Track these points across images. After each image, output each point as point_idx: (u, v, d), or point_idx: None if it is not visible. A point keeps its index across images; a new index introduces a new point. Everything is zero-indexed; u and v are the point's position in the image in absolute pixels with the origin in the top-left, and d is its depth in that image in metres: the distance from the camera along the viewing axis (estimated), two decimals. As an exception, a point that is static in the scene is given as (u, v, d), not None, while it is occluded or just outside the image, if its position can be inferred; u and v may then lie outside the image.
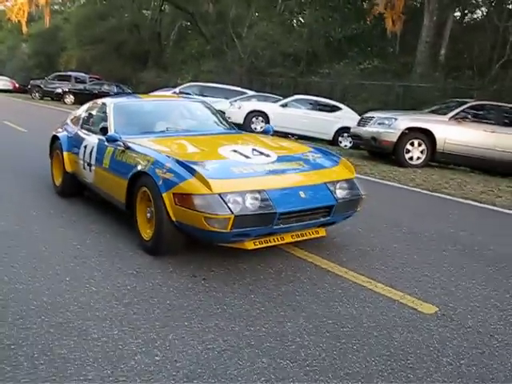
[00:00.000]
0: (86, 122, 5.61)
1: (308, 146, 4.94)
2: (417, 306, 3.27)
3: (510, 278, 3.89)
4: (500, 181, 9.05)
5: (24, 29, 25.53)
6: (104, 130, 4.86)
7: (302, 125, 14.09)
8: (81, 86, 27.33)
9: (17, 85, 40.07)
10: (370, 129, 10.29)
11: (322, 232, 4.19)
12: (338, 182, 4.08)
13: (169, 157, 3.94)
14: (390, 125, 9.88)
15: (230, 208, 3.47)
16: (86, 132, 5.43)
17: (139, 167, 4.05)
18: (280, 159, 4.20)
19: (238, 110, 14.52)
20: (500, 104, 10.67)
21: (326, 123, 14.21)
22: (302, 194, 3.81)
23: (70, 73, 30.53)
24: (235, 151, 4.22)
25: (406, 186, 7.77)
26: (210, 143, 4.64)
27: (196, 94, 17.50)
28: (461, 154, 9.87)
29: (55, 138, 5.96)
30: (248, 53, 25.24)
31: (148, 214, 4.04)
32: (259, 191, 3.63)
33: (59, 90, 26.99)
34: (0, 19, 54.13)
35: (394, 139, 9.76)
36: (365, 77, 19.41)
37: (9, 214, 5.05)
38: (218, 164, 3.98)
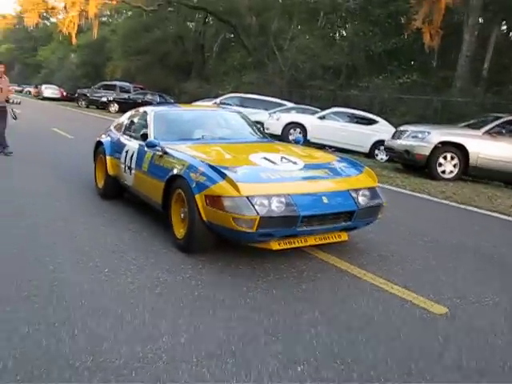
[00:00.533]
0: (128, 129, 6.01)
1: (334, 156, 5.19)
2: (428, 307, 3.47)
3: (524, 286, 4.04)
4: (533, 196, 9.04)
5: (74, 40, 26.57)
6: (144, 136, 5.26)
7: (339, 137, 14.26)
8: (125, 96, 28.23)
9: (64, 93, 41.68)
10: (404, 142, 10.43)
11: (344, 236, 4.42)
12: (360, 189, 4.32)
13: (203, 161, 4.26)
14: (423, 138, 10.00)
15: (256, 210, 3.76)
16: (127, 138, 5.82)
17: (175, 171, 4.38)
18: (307, 167, 4.50)
19: (276, 121, 14.82)
20: (535, 119, 10.63)
21: (362, 136, 14.34)
22: (324, 200, 4.07)
23: (115, 82, 31.53)
24: (265, 158, 4.52)
25: (435, 198, 7.90)
26: (243, 150, 4.95)
27: (236, 105, 17.87)
28: (494, 168, 9.90)
29: (99, 144, 6.37)
30: (288, 65, 25.60)
31: (182, 215, 4.36)
32: (284, 195, 3.90)
33: (104, 99, 27.97)
34: (52, 31, 56.40)
35: (427, 153, 9.87)
36: (403, 91, 19.47)
37: (56, 213, 5.48)
38: (248, 169, 4.28)
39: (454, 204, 7.53)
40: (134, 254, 4.23)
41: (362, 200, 4.26)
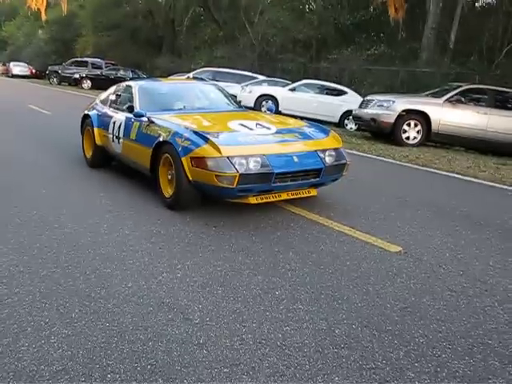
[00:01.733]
0: (114, 102, 6.43)
1: (303, 122, 5.73)
2: (385, 247, 4.08)
3: (468, 230, 4.67)
4: (489, 159, 9.78)
5: (43, 16, 26.32)
6: (130, 108, 5.68)
7: (309, 108, 14.78)
8: (97, 72, 28.22)
9: (33, 70, 41.14)
10: (370, 111, 11.05)
11: (313, 192, 5.01)
12: (326, 150, 4.90)
13: (187, 128, 4.79)
14: (388, 107, 10.64)
15: (236, 168, 4.30)
16: (114, 110, 6.24)
17: (162, 137, 4.87)
18: (279, 131, 5.07)
19: (248, 94, 15.25)
20: (492, 87, 11.35)
21: (332, 106, 14.88)
22: (295, 159, 4.64)
23: (86, 59, 31.42)
24: (241, 125, 5.05)
25: (398, 162, 8.54)
26: (221, 118, 5.48)
27: (209, 79, 18.10)
28: (454, 134, 10.61)
29: (86, 117, 6.78)
30: (259, 39, 25.90)
31: (169, 176, 4.88)
32: (260, 156, 4.44)
33: (77, 76, 27.89)
34: (16, 5, 55.15)
35: (392, 120, 10.52)
36: (372, 62, 20.03)
37: (50, 180, 5.94)
38: (227, 134, 4.80)
39: (416, 166, 8.19)
40: (128, 213, 4.74)
41: (328, 159, 4.83)
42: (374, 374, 2.39)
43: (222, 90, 6.83)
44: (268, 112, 6.38)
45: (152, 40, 35.80)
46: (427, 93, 11.95)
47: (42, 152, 7.68)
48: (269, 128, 5.06)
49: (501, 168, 8.51)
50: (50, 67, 32.42)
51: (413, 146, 10.48)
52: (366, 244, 4.13)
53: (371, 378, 2.36)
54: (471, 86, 11.46)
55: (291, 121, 5.98)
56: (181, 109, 5.87)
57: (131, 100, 5.89)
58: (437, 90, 12.10)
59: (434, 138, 10.83)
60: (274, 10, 27.53)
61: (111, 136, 5.98)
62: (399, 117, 10.49)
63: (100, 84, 26.81)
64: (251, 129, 4.96)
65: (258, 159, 4.41)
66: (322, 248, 4.00)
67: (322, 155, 4.80)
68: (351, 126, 14.72)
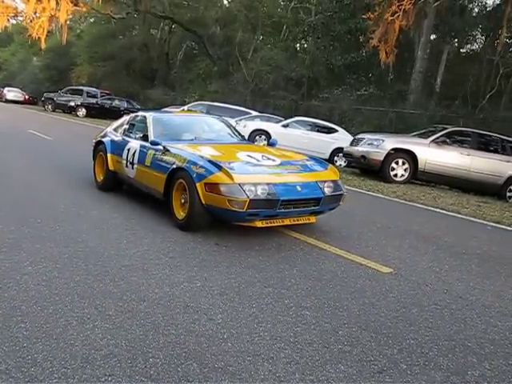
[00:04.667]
0: (129, 131, 6.96)
1: (304, 155, 6.30)
2: (378, 268, 4.58)
3: (451, 257, 5.21)
4: (471, 197, 10.41)
5: (43, 45, 27.03)
6: (145, 137, 6.28)
7: (301, 144, 15.33)
8: (92, 100, 28.82)
9: (27, 96, 41.72)
10: (361, 148, 11.69)
11: (312, 219, 5.53)
12: (326, 181, 5.44)
13: (201, 157, 5.30)
14: (378, 145, 11.29)
15: (246, 194, 4.81)
16: (128, 138, 6.76)
17: (176, 164, 5.39)
18: (282, 163, 5.61)
19: (243, 128, 15.79)
20: (476, 130, 12.09)
21: (323, 143, 15.49)
22: (298, 188, 5.18)
23: (81, 87, 32.01)
24: (249, 156, 5.60)
25: (387, 197, 9.13)
26: (229, 149, 6.02)
27: (203, 112, 18.77)
28: (440, 173, 11.26)
29: (99, 143, 7.30)
30: (253, 75, 26.77)
31: (182, 200, 5.37)
32: (267, 184, 4.97)
33: (72, 104, 28.48)
34: (11, 33, 55.99)
35: (381, 158, 11.15)
36: (361, 102, 20.89)
37: (66, 201, 6.37)
38: (237, 163, 5.30)
39: (403, 201, 8.77)
40: (144, 232, 5.20)
41: (327, 190, 5.36)
42: (373, 364, 2.85)
43: (226, 123, 7.44)
44: (271, 146, 6.93)
45: (146, 72, 36.70)
46: (414, 133, 12.65)
47: (50, 174, 8.12)
48: (274, 160, 5.62)
49: (482, 206, 9.12)
50: (45, 94, 32.95)
51: (400, 182, 11.09)
52: (361, 265, 4.63)
53: (370, 367, 2.82)
54: (456, 129, 12.21)
55: (292, 154, 6.50)
56: (192, 139, 6.42)
57: (145, 130, 6.43)
58: (423, 130, 12.82)
59: (420, 176, 11.46)
60: (268, 48, 28.57)
61: (125, 162, 6.47)
62: (388, 155, 11.13)
63: (95, 112, 27.51)
64: (258, 160, 5.50)
65: (266, 187, 4.93)
66: (322, 267, 4.48)
67: (321, 186, 5.34)
68: (340, 162, 15.33)
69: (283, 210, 5.06)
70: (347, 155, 12.74)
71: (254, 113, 19.70)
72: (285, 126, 15.94)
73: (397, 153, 11.19)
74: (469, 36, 25.10)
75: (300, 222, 5.41)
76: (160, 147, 5.81)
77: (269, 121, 17.53)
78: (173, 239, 5.00)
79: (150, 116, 6.66)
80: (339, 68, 23.80)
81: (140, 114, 7.10)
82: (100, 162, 7.25)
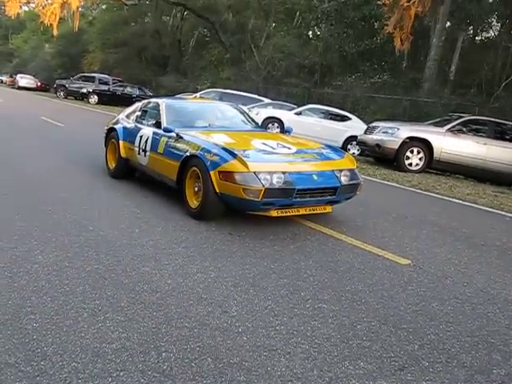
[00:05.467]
0: (141, 117, 6.85)
1: (320, 143, 6.17)
2: (396, 260, 4.46)
3: (470, 249, 5.08)
4: (487, 187, 10.24)
5: (55, 32, 26.99)
6: (158, 124, 6.16)
7: (314, 132, 15.18)
8: (104, 87, 28.75)
9: (39, 83, 41.79)
10: (375, 137, 11.51)
11: (328, 208, 5.40)
12: (342, 170, 5.30)
13: (215, 144, 5.18)
14: (393, 134, 11.10)
15: (262, 182, 4.68)
16: (140, 125, 6.64)
17: (190, 152, 5.27)
18: (298, 151, 5.47)
19: (255, 115, 15.66)
20: (492, 119, 11.85)
21: (336, 131, 15.30)
22: (314, 177, 5.06)
23: (93, 74, 31.97)
24: (264, 143, 5.47)
25: (402, 186, 8.97)
26: (244, 137, 5.92)
27: (215, 99, 18.65)
28: (455, 162, 11.06)
29: (111, 130, 7.19)
30: (265, 63, 26.55)
31: (196, 188, 5.27)
32: (283, 172, 4.84)
33: (84, 90, 28.42)
34: (24, 20, 56.08)
35: (396, 146, 10.97)
36: (375, 90, 20.62)
37: (77, 188, 6.30)
38: (252, 151, 5.18)
39: (418, 191, 8.62)
40: (156, 220, 5.11)
41: (343, 179, 5.23)
42: (394, 361, 2.74)
43: (240, 110, 7.30)
44: (286, 133, 6.78)
45: (158, 59, 36.55)
46: (429, 122, 12.44)
47: (62, 162, 8.05)
48: (289, 148, 5.48)
49: (499, 196, 8.94)
50: (57, 81, 32.97)
51: (415, 172, 10.92)
52: (378, 256, 4.51)
53: (391, 364, 2.71)
54: (472, 117, 11.98)
55: (308, 142, 6.40)
56: (206, 126, 6.30)
57: (158, 116, 6.32)
58: (438, 119, 12.61)
59: (435, 166, 11.27)
60: (280, 35, 28.28)
61: (137, 149, 6.37)
62: (403, 144, 10.95)
63: (107, 99, 27.44)
64: (273, 148, 5.37)
65: (281, 176, 4.80)
66: (338, 258, 4.37)
67: (338, 174, 5.21)
68: (354, 151, 15.14)
69: (299, 200, 4.94)
70: (361, 143, 12.57)
71: (267, 100, 19.52)
72: (298, 113, 15.77)
73: (412, 141, 11.00)
74: (484, 23, 24.65)
75: (316, 212, 5.29)
76: (173, 134, 5.70)
77: (281, 108, 17.36)
78: (186, 228, 4.91)
79: (162, 102, 6.53)
80: (352, 55, 23.50)
81: (153, 100, 6.99)
82: (112, 150, 7.15)
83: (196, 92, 22.25)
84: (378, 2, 18.90)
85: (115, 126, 7.11)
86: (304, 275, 3.91)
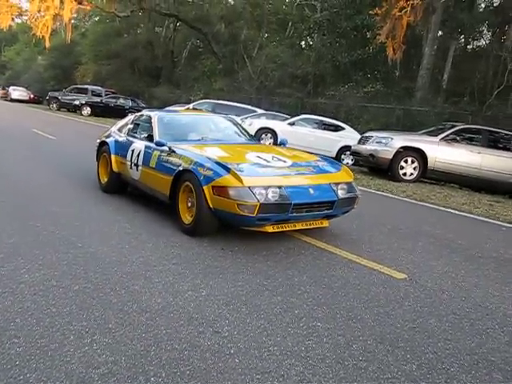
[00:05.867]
0: (133, 131, 6.74)
1: (316, 156, 6.10)
2: (391, 273, 4.37)
3: (467, 261, 5.00)
4: (482, 196, 10.18)
5: (47, 44, 26.94)
6: (150, 137, 6.08)
7: (307, 142, 15.12)
8: (97, 99, 28.69)
9: (32, 95, 41.65)
10: (369, 147, 11.46)
11: (325, 223, 5.32)
12: (339, 183, 5.19)
13: (209, 158, 5.06)
14: (387, 143, 11.06)
15: (257, 198, 4.56)
16: (132, 139, 6.52)
17: (183, 166, 5.15)
18: (294, 164, 5.36)
19: (248, 126, 15.59)
20: (486, 128, 11.83)
21: (329, 141, 15.25)
22: (311, 191, 4.94)
23: (86, 86, 31.93)
24: (259, 157, 5.35)
25: (397, 196, 8.90)
26: (238, 150, 5.83)
27: (208, 111, 18.58)
28: (450, 171, 11.02)
29: (103, 144, 7.06)
30: (258, 73, 26.57)
31: (189, 203, 5.15)
32: (278, 187, 4.71)
33: (77, 102, 28.33)
34: (16, 32, 56.03)
35: (390, 156, 10.92)
36: (368, 99, 20.61)
37: (67, 203, 6.19)
38: (247, 165, 5.05)
39: (413, 201, 8.55)
40: (147, 235, 5.01)
41: (340, 192, 5.11)
42: (391, 382, 2.65)
43: (234, 122, 7.24)
44: (281, 145, 6.67)
45: (151, 70, 36.52)
46: (423, 131, 12.42)
47: (53, 175, 7.94)
48: (284, 161, 5.36)
49: (494, 205, 8.88)
50: (50, 93, 32.86)
51: (409, 181, 10.87)
52: (373, 271, 4.42)
53: (389, 386, 2.62)
54: (466, 126, 11.96)
55: (304, 155, 6.27)
56: (199, 140, 6.18)
57: (150, 129, 6.21)
58: (432, 128, 12.58)
59: (429, 175, 11.23)
60: (273, 45, 28.33)
61: (129, 163, 6.24)
62: (397, 153, 10.90)
63: (100, 111, 27.37)
64: (268, 161, 5.24)
65: (277, 190, 4.67)
66: (333, 273, 4.28)
67: (335, 188, 5.10)
68: (348, 161, 15.08)
69: (295, 214, 4.81)
70: (355, 154, 12.51)
71: (260, 111, 19.47)
72: (291, 123, 15.71)
73: (406, 151, 10.96)
74: (475, 32, 24.76)
75: (312, 227, 5.20)
76: (165, 148, 5.58)
77: (275, 119, 17.31)
78: (177, 244, 4.80)
79: (155, 115, 6.42)
80: (345, 65, 23.50)
81: (145, 113, 6.88)
82: (104, 163, 7.04)
83: (189, 103, 22.23)
84: (371, 12, 18.92)
85: (107, 140, 6.99)
86: (298, 292, 3.82)
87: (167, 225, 5.44)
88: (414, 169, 11.04)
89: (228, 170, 4.75)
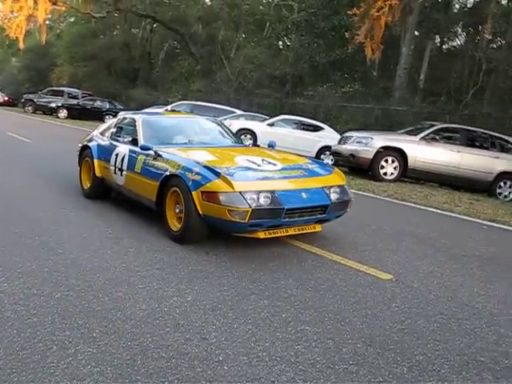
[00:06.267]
0: (116, 134, 6.53)
1: (306, 158, 5.99)
2: (377, 274, 4.35)
3: (451, 260, 5.01)
4: (463, 195, 10.27)
5: (21, 45, 26.50)
6: (134, 141, 5.89)
7: (287, 143, 15.05)
8: (74, 102, 28.31)
9: (6, 98, 40.91)
10: (349, 147, 11.48)
11: (318, 228, 5.14)
12: (332, 186, 5.05)
13: (197, 162, 4.87)
14: (367, 143, 11.09)
15: (248, 203, 4.39)
16: (116, 143, 6.32)
17: (170, 171, 4.96)
18: (285, 168, 5.20)
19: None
20: (465, 127, 11.97)
21: (309, 142, 15.24)
22: (304, 195, 4.77)
23: (62, 88, 31.46)
24: (248, 160, 5.18)
25: (378, 196, 8.92)
26: (226, 153, 5.66)
27: (186, 112, 18.43)
28: (430, 171, 11.10)
29: (85, 148, 6.84)
30: (236, 74, 26.48)
31: (177, 210, 4.96)
32: (270, 191, 4.55)
33: (53, 105, 27.91)
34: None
35: (370, 156, 10.96)
36: (347, 99, 20.71)
37: (45, 208, 6.06)
38: (237, 169, 4.85)
39: (394, 200, 8.58)
40: (128, 240, 4.91)
41: (333, 196, 4.97)
42: (383, 387, 2.62)
43: (220, 124, 7.08)
44: (269, 148, 6.46)
45: (128, 72, 36.15)
46: (403, 131, 12.49)
47: (28, 180, 7.78)
48: (275, 164, 5.21)
49: (474, 203, 8.97)
50: (25, 95, 32.33)
51: (390, 181, 10.91)
52: (359, 272, 4.40)
53: (381, 390, 2.58)
54: (445, 125, 12.08)
55: (293, 157, 6.11)
56: (185, 143, 6.02)
57: (135, 133, 6.02)
58: (411, 128, 12.66)
59: (410, 174, 11.29)
60: (251, 46, 28.29)
61: (113, 168, 6.04)
62: (377, 153, 10.95)
63: (76, 114, 27.00)
64: (258, 165, 5.07)
65: (269, 195, 4.52)
66: (319, 275, 4.24)
67: (327, 192, 4.96)
68: (327, 161, 15.05)
69: (288, 220, 4.66)
70: (336, 154, 12.53)
71: (239, 112, 19.40)
72: (270, 124, 15.68)
73: (386, 151, 11.01)
74: (450, 32, 25.05)
75: (305, 232, 5.03)
76: (151, 152, 5.39)
77: (253, 119, 17.26)
78: (160, 248, 4.72)
79: (139, 118, 6.20)
80: (323, 65, 23.55)
81: (128, 116, 6.69)
82: (86, 168, 6.80)
83: (167, 104, 22.04)
84: (348, 12, 19.00)
85: (89, 144, 6.77)
86: (284, 295, 3.77)
87: (150, 229, 5.35)
88: (395, 168, 11.09)
89: (218, 174, 4.59)
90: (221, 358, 2.79)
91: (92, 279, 3.85)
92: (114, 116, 25.90)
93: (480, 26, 22.98)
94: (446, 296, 3.99)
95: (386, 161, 11.05)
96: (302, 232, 5.00)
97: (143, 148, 5.47)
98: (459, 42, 25.81)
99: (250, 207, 4.39)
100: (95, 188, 6.60)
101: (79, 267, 4.08)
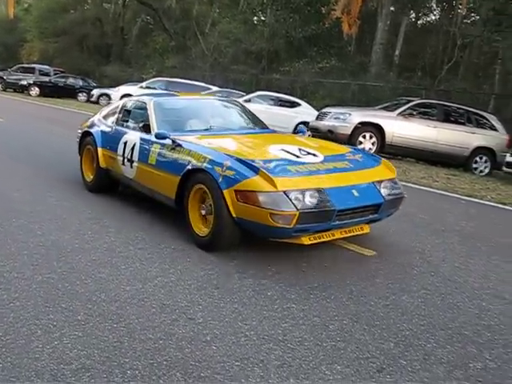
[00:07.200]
0: (124, 119, 5.74)
1: (347, 147, 5.28)
2: (359, 250, 4.38)
3: (432, 236, 5.08)
4: (440, 170, 10.39)
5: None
6: (146, 128, 5.09)
7: (263, 119, 14.92)
8: (46, 79, 27.63)
9: (-27, 76, 39.81)
10: (327, 122, 11.49)
11: (366, 229, 4.37)
12: (382, 181, 4.31)
13: (228, 155, 4.09)
14: (345, 119, 11.11)
15: (294, 205, 3.67)
16: (124, 129, 5.55)
17: (193, 164, 4.21)
18: (327, 159, 4.38)
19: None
20: (442, 102, 12.06)
21: (286, 118, 15.23)
22: (355, 193, 4.03)
23: (33, 65, 30.70)
24: (284, 150, 4.39)
25: (357, 172, 8.95)
26: (257, 142, 4.90)
27: (161, 89, 18.20)
28: (407, 146, 11.18)
29: (86, 134, 6.08)
30: (211, 50, 26.20)
31: (203, 211, 4.21)
32: (318, 189, 3.82)
33: (24, 82, 27.19)
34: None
35: (348, 132, 10.99)
36: (323, 75, 20.66)
37: (22, 192, 5.93)
38: (275, 162, 4.10)
39: (373, 176, 8.60)
40: (108, 220, 4.85)
41: (384, 191, 4.25)
42: (371, 362, 2.64)
43: (241, 107, 6.28)
44: (300, 134, 5.88)
45: (101, 48, 35.48)
46: (380, 106, 12.51)
47: (3, 158, 7.60)
48: (315, 155, 4.41)
49: (451, 178, 9.08)
50: (-6, 73, 31.45)
51: (368, 156, 10.95)
52: (342, 248, 4.42)
53: (369, 366, 2.61)
54: (422, 101, 12.14)
55: (333, 145, 5.28)
56: (207, 129, 5.20)
57: (146, 118, 5.23)
58: (388, 103, 12.70)
59: (387, 150, 11.35)
60: (226, 21, 27.92)
61: (120, 158, 5.31)
62: (355, 129, 10.98)
63: (49, 91, 26.41)
64: (298, 156, 4.29)
65: (316, 194, 3.80)
66: (302, 253, 4.24)
67: (378, 187, 4.24)
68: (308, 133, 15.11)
69: (338, 223, 3.95)
70: (313, 129, 12.49)
71: (215, 88, 19.24)
72: (247, 100, 15.55)
73: (364, 126, 11.05)
74: (425, 7, 25.08)
75: (353, 234, 4.28)
76: (168, 141, 4.62)
77: (230, 96, 17.13)
78: (139, 227, 4.67)
79: (150, 101, 5.35)
80: (299, 40, 23.43)
81: (137, 98, 5.95)
82: (89, 158, 6.06)
83: (141, 81, 21.74)
84: (324, -13, 18.87)
85: (91, 130, 6.00)
86: (269, 273, 3.77)
87: (129, 208, 5.29)
88: (373, 144, 11.14)
89: (256, 169, 3.83)
90: (208, 338, 2.78)
91: (74, 261, 3.79)
92: (88, 94, 25.58)
93: (454, 1, 23.07)
94: (429, 271, 4.04)
95: (364, 136, 11.09)
96: (349, 234, 4.28)
97: (159, 136, 4.68)
98: (434, 18, 25.93)
99: (298, 210, 3.67)
100: (99, 180, 5.86)
101: (60, 249, 4.00)
